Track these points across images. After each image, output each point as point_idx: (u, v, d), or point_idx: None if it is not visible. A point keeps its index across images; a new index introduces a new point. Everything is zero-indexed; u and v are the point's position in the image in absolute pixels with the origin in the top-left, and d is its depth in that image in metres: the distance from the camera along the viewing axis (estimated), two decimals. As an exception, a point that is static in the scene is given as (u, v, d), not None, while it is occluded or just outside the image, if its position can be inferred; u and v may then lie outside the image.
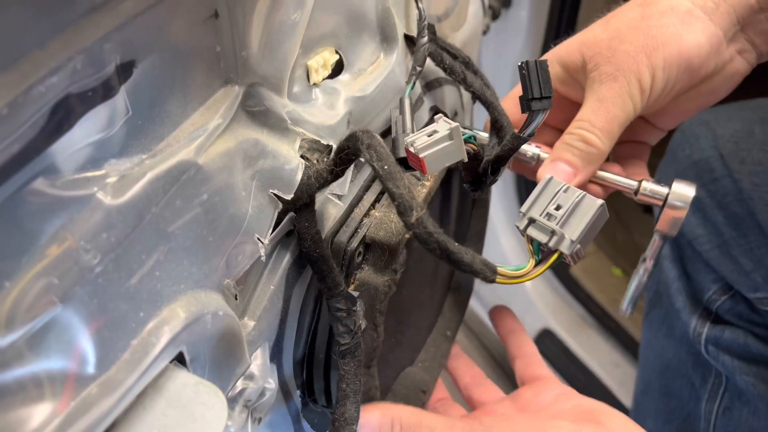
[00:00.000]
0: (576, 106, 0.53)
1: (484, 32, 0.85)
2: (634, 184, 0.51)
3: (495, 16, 1.04)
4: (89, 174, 0.31)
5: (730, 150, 0.79)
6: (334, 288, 0.44)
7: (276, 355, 0.45)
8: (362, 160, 0.38)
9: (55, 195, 0.29)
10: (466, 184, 0.49)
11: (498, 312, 0.71)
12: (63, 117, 0.29)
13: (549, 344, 1.28)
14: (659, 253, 0.55)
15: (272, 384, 0.43)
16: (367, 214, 0.47)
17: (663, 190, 0.50)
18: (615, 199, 1.43)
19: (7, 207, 0.27)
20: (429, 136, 0.38)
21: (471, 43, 0.68)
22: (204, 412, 0.32)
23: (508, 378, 1.45)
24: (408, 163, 0.42)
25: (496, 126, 0.49)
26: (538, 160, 0.53)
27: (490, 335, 1.49)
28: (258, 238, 0.40)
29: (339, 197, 0.46)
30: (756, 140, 0.77)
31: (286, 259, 0.43)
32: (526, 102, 0.39)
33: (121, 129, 0.32)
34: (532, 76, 0.39)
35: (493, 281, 0.37)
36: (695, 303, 0.85)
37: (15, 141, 0.27)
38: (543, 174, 0.48)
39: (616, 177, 0.52)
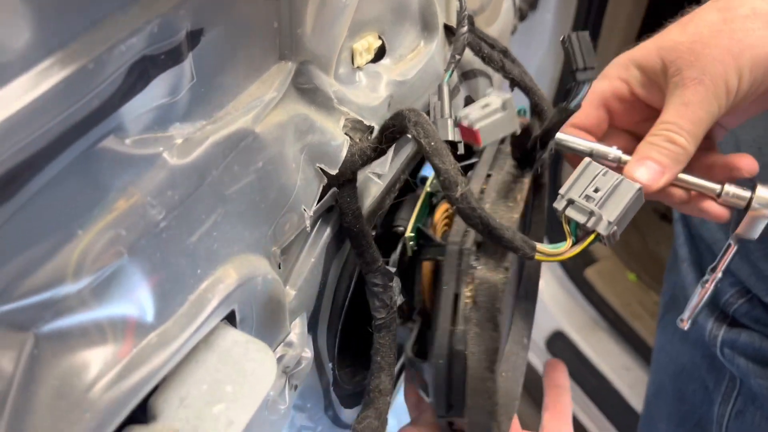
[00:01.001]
0: (651, 110, 0.54)
1: (512, 32, 0.86)
2: (717, 187, 0.51)
3: (522, 17, 1.05)
4: (156, 135, 0.32)
5: (752, 155, 0.80)
6: (372, 263, 0.46)
7: (312, 327, 0.46)
8: (408, 136, 0.40)
9: (124, 153, 0.31)
10: (515, 161, 0.50)
11: (552, 365, 0.70)
12: (138, 77, 0.30)
13: (560, 346, 1.29)
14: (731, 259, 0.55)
15: (308, 353, 0.44)
16: None
17: (746, 193, 0.50)
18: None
19: (82, 161, 0.29)
20: (482, 108, 0.40)
21: (502, 40, 0.70)
22: (254, 368, 0.34)
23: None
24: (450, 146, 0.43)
25: (537, 110, 0.50)
26: (620, 162, 0.52)
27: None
28: (304, 210, 0.41)
29: (379, 176, 0.47)
30: None
31: (327, 233, 0.45)
32: (571, 73, 0.40)
33: (186, 95, 0.33)
34: (575, 47, 0.40)
35: (532, 258, 0.38)
36: (712, 306, 0.85)
37: (96, 96, 0.28)
38: (631, 174, 0.48)
39: (698, 180, 0.51)
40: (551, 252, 0.39)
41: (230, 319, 0.36)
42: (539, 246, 0.38)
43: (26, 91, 0.26)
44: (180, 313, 0.33)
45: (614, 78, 0.54)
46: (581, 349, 1.26)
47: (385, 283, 0.46)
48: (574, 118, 0.52)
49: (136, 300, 0.31)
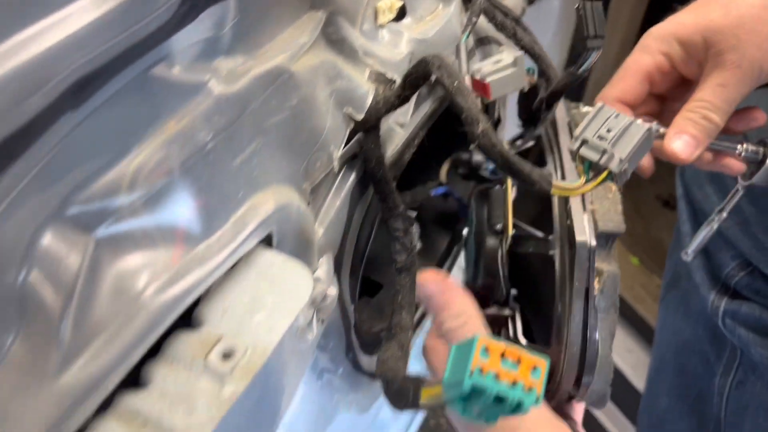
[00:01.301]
0: (682, 78, 0.57)
1: (521, 15, 0.89)
2: (738, 147, 0.56)
3: (531, 0, 1.08)
4: (203, 65, 0.35)
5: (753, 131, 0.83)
6: (393, 209, 0.48)
7: (336, 269, 0.49)
8: (426, 94, 0.42)
9: (175, 79, 0.33)
10: (522, 121, 0.53)
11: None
12: (189, 8, 0.33)
13: (565, 328, 1.31)
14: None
15: (334, 290, 0.47)
16: (585, 209, 0.51)
17: (760, 148, 0.56)
18: (634, 193, 1.46)
19: (138, 84, 0.32)
20: (494, 63, 0.42)
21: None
22: (292, 282, 0.36)
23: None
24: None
25: (545, 76, 0.53)
26: (658, 134, 0.56)
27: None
28: (333, 150, 0.44)
29: (401, 126, 0.50)
30: None
31: (352, 178, 0.48)
32: (581, 40, 0.43)
33: (229, 30, 0.36)
34: (588, 15, 0.43)
35: (549, 192, 0.41)
36: (714, 279, 0.88)
37: (151, 21, 0.31)
38: (669, 146, 0.52)
39: (723, 142, 0.56)
40: (567, 186, 0.41)
41: (268, 243, 0.39)
42: (555, 181, 0.41)
43: (95, 7, 0.28)
44: (224, 229, 0.35)
45: (657, 53, 0.57)
46: (585, 332, 1.29)
47: (406, 227, 0.49)
48: (619, 92, 0.56)
49: (185, 214, 0.34)
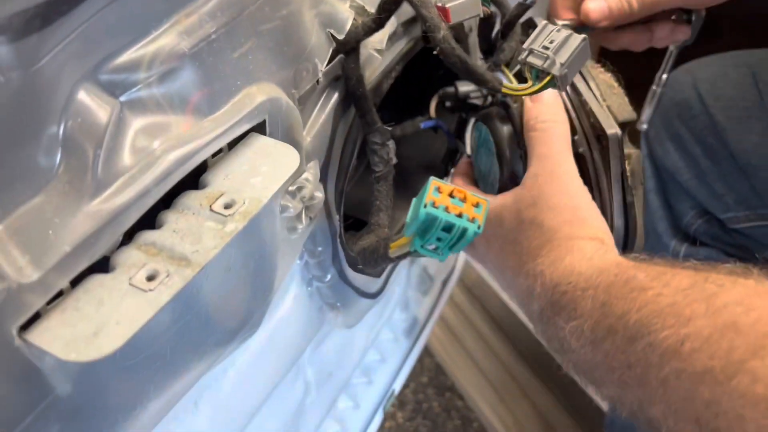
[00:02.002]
0: None
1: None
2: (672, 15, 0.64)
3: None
4: (207, -26, 0.42)
5: (706, 89, 0.91)
6: (372, 124, 0.55)
7: (323, 177, 0.56)
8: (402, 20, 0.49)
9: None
10: (482, 52, 0.60)
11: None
12: None
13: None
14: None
15: (320, 194, 0.53)
16: (601, 106, 0.59)
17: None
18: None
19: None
20: (454, -7, 0.50)
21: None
22: (282, 157, 0.43)
23: (510, 342, 1.54)
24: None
25: (499, 7, 0.60)
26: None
27: (491, 299, 1.59)
28: (317, 63, 0.51)
29: (379, 52, 0.57)
30: (729, 79, 0.89)
31: (335, 97, 0.55)
32: None
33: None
34: None
35: (499, 91, 0.48)
36: (675, 228, 0.95)
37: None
38: (586, 5, 0.59)
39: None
40: (516, 88, 0.49)
41: (262, 132, 0.46)
42: (505, 83, 0.48)
43: None
44: (224, 109, 0.42)
45: None
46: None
47: (383, 141, 0.56)
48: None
49: (193, 91, 0.41)
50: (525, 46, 0.50)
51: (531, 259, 0.52)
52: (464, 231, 0.37)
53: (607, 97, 0.58)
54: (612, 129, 0.57)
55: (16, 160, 0.33)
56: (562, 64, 0.48)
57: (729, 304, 0.38)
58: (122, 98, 0.38)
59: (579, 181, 0.55)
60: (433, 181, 0.38)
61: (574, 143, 0.58)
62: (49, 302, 0.34)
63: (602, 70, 0.60)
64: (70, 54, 0.34)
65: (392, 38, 0.60)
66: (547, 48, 0.49)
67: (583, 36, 0.48)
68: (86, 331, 0.33)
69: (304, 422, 0.75)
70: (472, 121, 0.69)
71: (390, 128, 0.56)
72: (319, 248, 0.59)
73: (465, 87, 0.68)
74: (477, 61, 0.63)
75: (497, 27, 0.58)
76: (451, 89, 0.68)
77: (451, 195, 0.38)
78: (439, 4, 0.52)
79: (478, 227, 0.37)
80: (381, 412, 0.97)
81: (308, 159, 0.53)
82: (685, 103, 0.92)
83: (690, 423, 0.38)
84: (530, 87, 0.49)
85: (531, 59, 0.49)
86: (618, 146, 0.57)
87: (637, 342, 0.41)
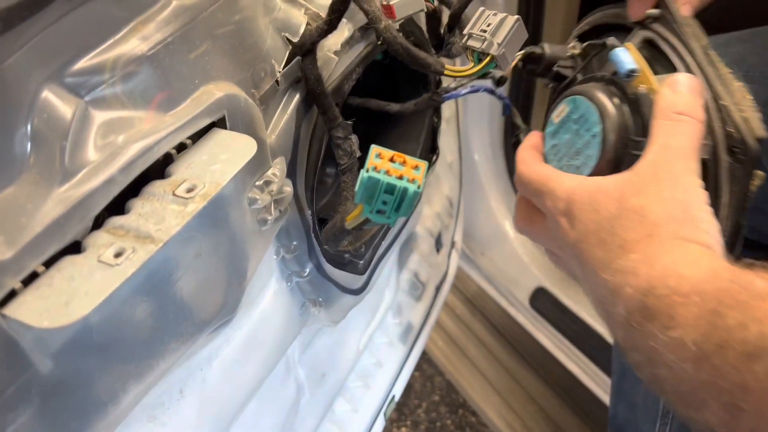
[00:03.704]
0: None
1: None
2: None
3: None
4: (162, -15, 0.46)
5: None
6: (334, 120, 0.59)
7: (291, 174, 0.59)
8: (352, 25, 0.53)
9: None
10: (433, 47, 0.64)
11: None
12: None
13: (543, 300, 1.39)
14: None
15: (289, 188, 0.57)
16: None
17: None
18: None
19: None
20: (397, -9, 0.54)
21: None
22: (240, 147, 0.46)
23: (515, 350, 1.55)
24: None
25: (443, 2, 0.64)
26: None
27: (493, 309, 1.60)
28: (275, 65, 0.55)
29: (335, 53, 0.61)
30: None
31: (297, 97, 0.58)
32: None
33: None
34: None
35: (442, 74, 0.52)
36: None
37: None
38: None
39: None
40: (458, 69, 0.52)
41: (224, 127, 0.49)
42: (448, 66, 0.52)
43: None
44: (184, 105, 0.46)
45: None
46: (562, 301, 1.37)
47: (345, 135, 0.59)
48: None
49: (153, 89, 0.44)
50: (465, 31, 0.54)
51: (624, 253, 0.44)
52: (405, 191, 0.40)
53: (744, 107, 0.51)
54: (754, 143, 0.49)
55: (-12, 152, 0.36)
56: (499, 44, 0.51)
57: None
58: (87, 98, 0.41)
59: (700, 182, 0.47)
60: (374, 148, 0.41)
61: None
62: (25, 283, 0.37)
63: (733, 77, 0.52)
64: (33, 56, 0.38)
65: (350, 42, 0.64)
66: (484, 31, 0.52)
67: (516, 17, 0.52)
68: (58, 302, 0.36)
69: (300, 423, 0.77)
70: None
71: (351, 123, 0.60)
72: (294, 242, 0.62)
73: (553, 49, 0.61)
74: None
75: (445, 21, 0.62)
76: (538, 49, 0.60)
77: (391, 160, 0.41)
78: (384, 3, 0.56)
79: (418, 187, 0.40)
80: (382, 419, 0.98)
81: (274, 155, 0.56)
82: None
83: None
84: (471, 68, 0.52)
85: (470, 42, 0.52)
86: (752, 163, 0.49)
87: (759, 361, 0.36)
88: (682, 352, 0.39)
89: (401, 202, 0.41)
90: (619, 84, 0.53)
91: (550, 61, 0.61)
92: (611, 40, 0.56)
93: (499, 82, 0.62)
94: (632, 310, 0.43)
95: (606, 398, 1.26)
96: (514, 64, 0.58)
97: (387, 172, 0.40)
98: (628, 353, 0.45)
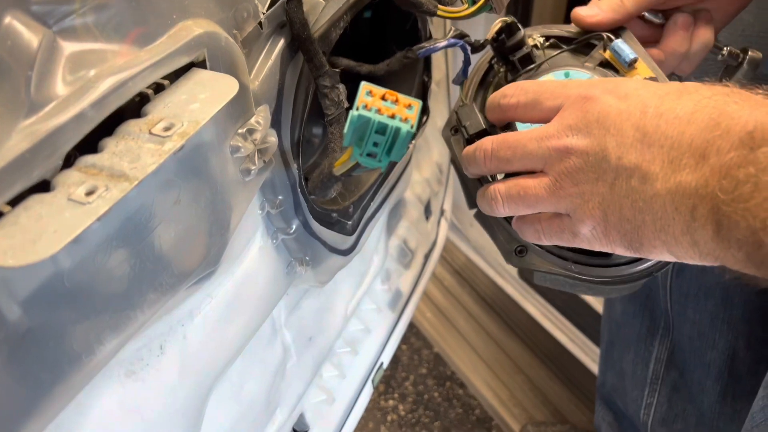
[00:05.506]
0: None
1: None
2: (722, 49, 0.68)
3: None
4: None
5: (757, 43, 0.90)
6: (320, 67, 0.56)
7: (276, 125, 0.57)
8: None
9: None
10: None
11: None
12: None
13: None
14: None
15: (273, 138, 0.54)
16: None
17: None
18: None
19: None
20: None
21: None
22: (222, 85, 0.44)
23: (503, 321, 1.55)
24: None
25: None
26: None
27: (481, 280, 1.59)
28: (257, 5, 0.52)
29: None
30: None
31: (281, 43, 0.56)
32: None
33: None
34: None
35: (435, 14, 0.49)
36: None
37: None
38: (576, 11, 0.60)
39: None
40: (452, 10, 0.50)
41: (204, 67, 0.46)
42: (441, 6, 0.49)
43: None
44: (160, 41, 0.43)
45: None
46: (551, 271, 1.36)
47: (332, 84, 0.57)
48: None
49: (127, 21, 0.42)
50: (460, -28, 0.51)
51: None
52: (397, 131, 0.38)
53: None
54: None
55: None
56: (494, -14, 0.49)
57: None
58: (55, 27, 0.38)
59: None
60: (365, 85, 0.39)
61: None
62: (-11, 223, 0.35)
63: None
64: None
65: (336, -12, 0.61)
66: (480, -28, 0.50)
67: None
68: (24, 240, 0.33)
69: (286, 388, 0.75)
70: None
71: (338, 71, 0.57)
72: (280, 197, 0.59)
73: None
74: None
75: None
76: (520, 26, 0.59)
77: (383, 98, 0.38)
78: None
79: (411, 127, 0.38)
80: (370, 386, 0.97)
81: (257, 103, 0.54)
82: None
83: None
84: (465, 9, 0.50)
85: (465, -17, 0.50)
86: None
87: None
88: None
89: (393, 143, 0.38)
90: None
91: (518, 44, 0.60)
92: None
93: (478, 48, 0.59)
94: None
95: (594, 367, 1.26)
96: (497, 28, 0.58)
97: (378, 111, 0.38)
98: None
